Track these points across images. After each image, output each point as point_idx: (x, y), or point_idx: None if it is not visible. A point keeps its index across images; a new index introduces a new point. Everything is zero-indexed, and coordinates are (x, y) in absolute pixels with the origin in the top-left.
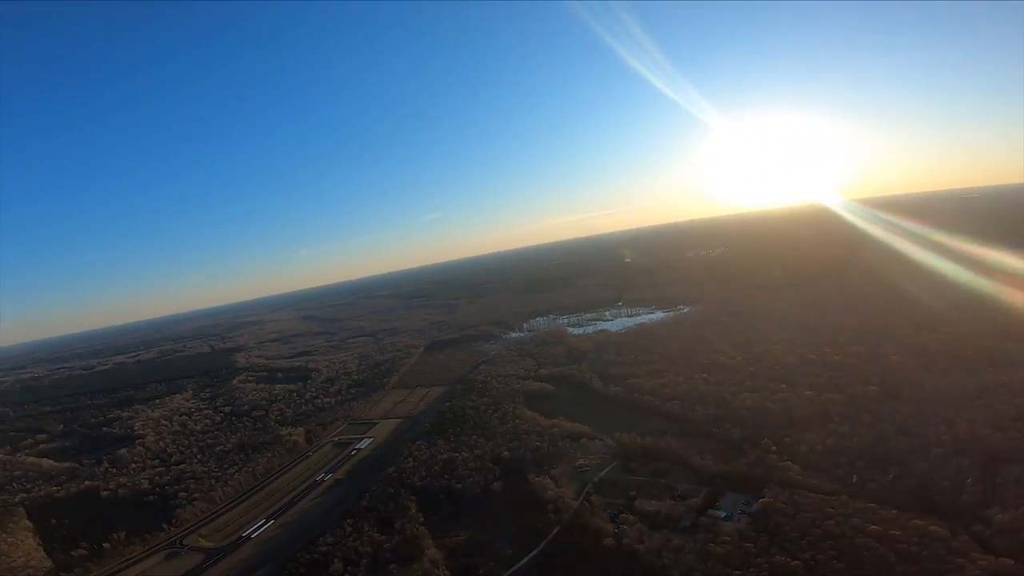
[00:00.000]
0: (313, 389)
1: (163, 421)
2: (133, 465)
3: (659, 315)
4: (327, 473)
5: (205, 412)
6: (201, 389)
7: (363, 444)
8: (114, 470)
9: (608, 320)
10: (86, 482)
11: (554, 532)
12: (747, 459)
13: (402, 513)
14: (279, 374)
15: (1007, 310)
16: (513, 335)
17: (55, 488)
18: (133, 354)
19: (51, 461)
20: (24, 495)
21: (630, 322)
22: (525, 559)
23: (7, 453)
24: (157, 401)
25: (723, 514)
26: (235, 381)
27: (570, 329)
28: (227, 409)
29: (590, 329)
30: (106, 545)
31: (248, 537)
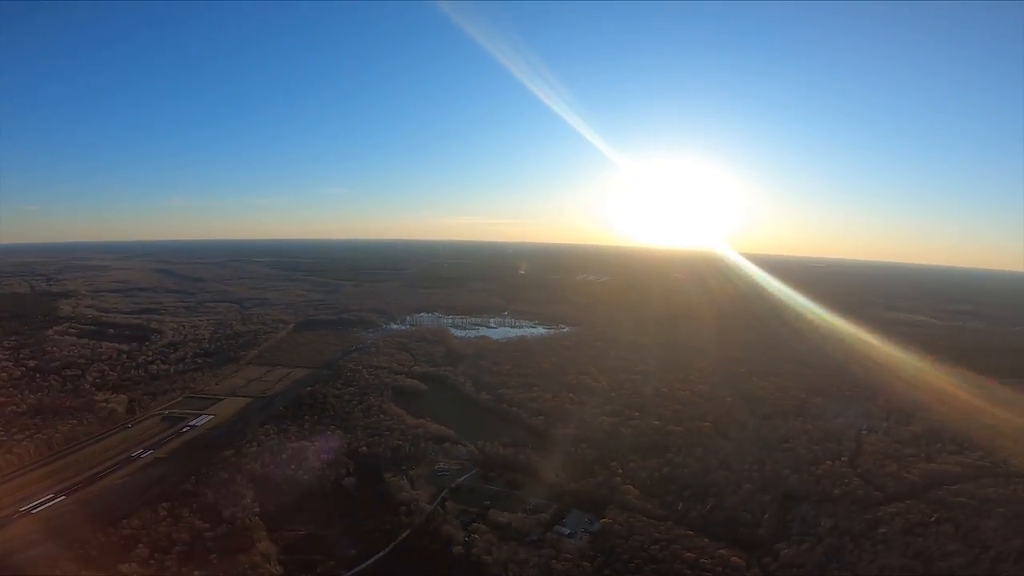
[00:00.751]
0: (149, 352)
1: None
2: None
3: (540, 330)
4: (147, 450)
5: (3, 364)
6: (7, 336)
7: (199, 421)
8: None
9: (492, 328)
10: None
11: (404, 535)
12: (595, 479)
13: (235, 501)
14: (111, 330)
15: (826, 367)
16: (394, 327)
17: None
18: None
19: None
20: None
21: (512, 333)
22: (369, 560)
23: None
24: None
25: (567, 531)
26: (51, 331)
27: (453, 330)
28: (32, 363)
29: (472, 333)
30: None
31: (27, 512)
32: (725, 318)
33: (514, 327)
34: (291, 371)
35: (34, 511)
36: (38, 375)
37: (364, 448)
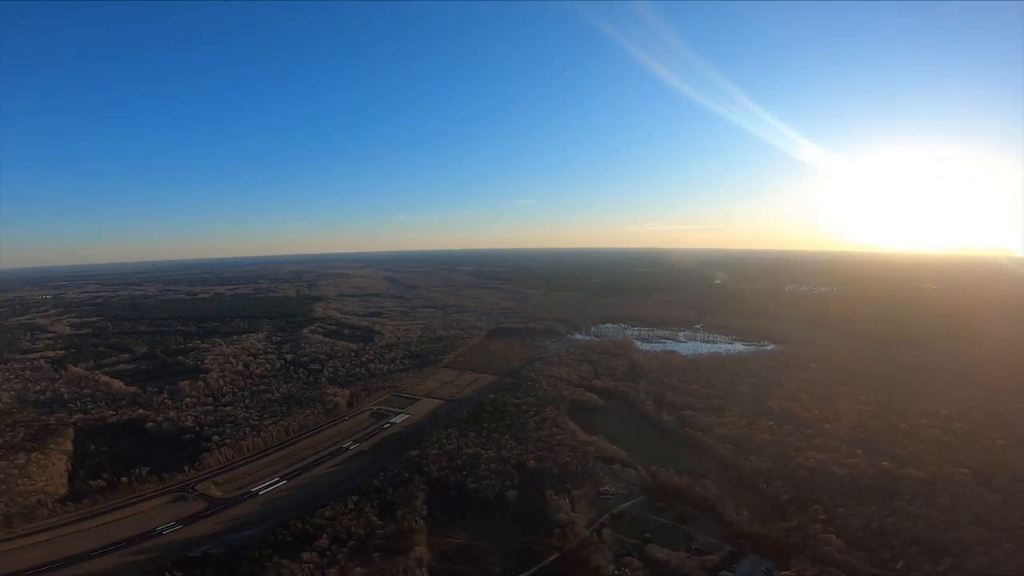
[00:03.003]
0: (371, 352)
1: (231, 359)
2: (187, 399)
3: (738, 347)
4: (355, 442)
5: (270, 356)
6: (275, 332)
7: (398, 419)
8: (169, 401)
9: (681, 342)
10: (140, 411)
11: (551, 559)
12: (787, 524)
13: (408, 501)
14: (346, 330)
15: None
16: (578, 337)
17: (111, 412)
18: (233, 287)
19: (121, 383)
20: (81, 415)
21: (704, 349)
22: None
23: (88, 369)
24: (235, 337)
25: None
26: (306, 330)
27: (638, 343)
28: (289, 357)
29: (659, 347)
30: (123, 479)
31: (255, 493)
32: (1006, 339)
33: (707, 342)
34: (479, 376)
35: (260, 493)
36: (292, 367)
37: (532, 461)
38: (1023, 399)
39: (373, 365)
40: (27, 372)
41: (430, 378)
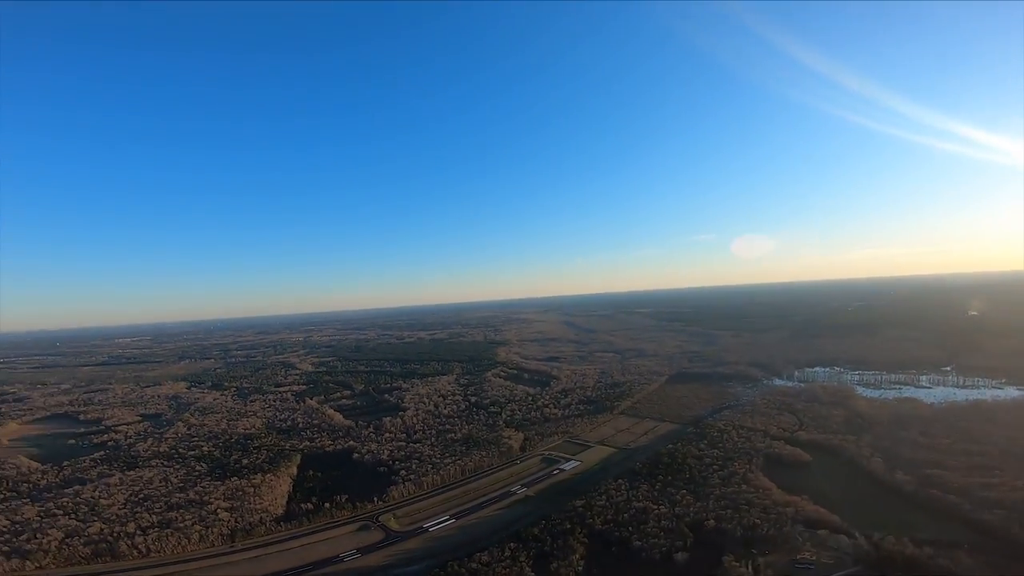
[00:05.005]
0: (547, 397)
1: (425, 398)
2: (387, 434)
3: (1011, 392)
4: (523, 486)
5: (457, 398)
6: (464, 375)
7: (568, 465)
8: (373, 435)
9: (923, 387)
10: (350, 442)
11: None
12: None
13: (565, 554)
14: (525, 375)
15: None
16: (777, 382)
17: (329, 442)
18: (432, 332)
19: (341, 416)
20: (308, 443)
21: (959, 395)
22: None
23: (319, 402)
24: (430, 379)
25: None
26: (489, 374)
27: (860, 389)
28: (473, 399)
29: (891, 394)
30: (327, 504)
31: (426, 529)
32: None
33: (962, 387)
34: (657, 424)
35: (431, 529)
36: (474, 409)
37: (711, 521)
38: None
39: (548, 410)
40: (277, 402)
41: (604, 425)
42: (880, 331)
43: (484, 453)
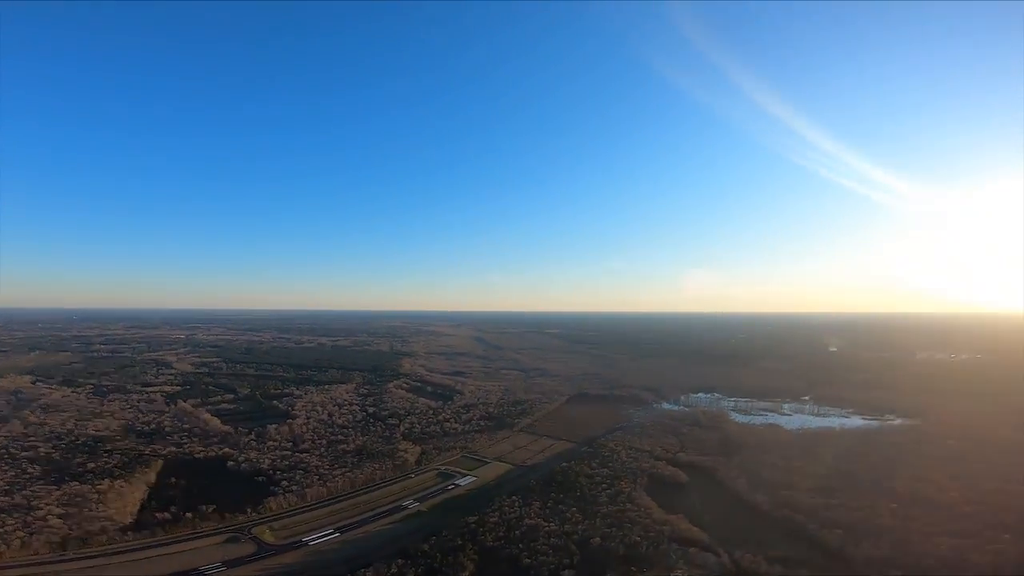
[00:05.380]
0: (449, 411)
1: (318, 407)
2: (271, 442)
3: (857, 421)
4: (416, 500)
5: (354, 408)
6: (364, 384)
7: (464, 481)
8: (254, 443)
9: (785, 414)
10: (226, 449)
11: None
12: None
13: (455, 571)
14: (429, 388)
15: None
16: (665, 406)
17: (200, 448)
18: (335, 338)
19: (218, 422)
20: (174, 448)
21: (815, 422)
22: None
23: (195, 405)
24: (327, 387)
25: None
26: (391, 385)
27: (734, 415)
28: (372, 410)
29: (758, 420)
30: (188, 514)
31: (305, 543)
32: None
33: (818, 415)
34: (555, 443)
35: (311, 543)
36: (371, 420)
37: (597, 539)
38: None
39: (448, 424)
40: (142, 404)
41: (503, 441)
42: (755, 362)
43: (377, 466)
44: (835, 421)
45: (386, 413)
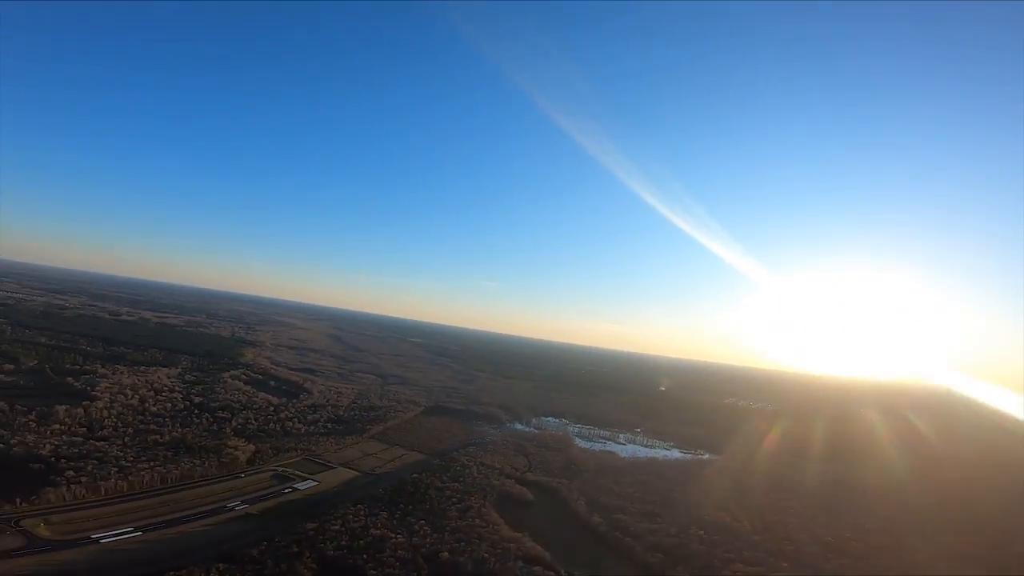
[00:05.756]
0: (292, 409)
1: (128, 390)
2: (56, 426)
3: (676, 454)
4: (244, 502)
5: (175, 395)
6: (193, 370)
7: (304, 485)
8: (33, 424)
9: (620, 443)
10: None
11: None
12: None
13: None
14: (272, 382)
15: None
16: (518, 426)
17: None
18: (163, 315)
19: None
20: None
21: (642, 452)
22: None
23: None
24: (142, 368)
25: None
26: (227, 375)
27: (578, 440)
28: (198, 400)
29: (598, 446)
30: None
31: (95, 540)
32: (938, 459)
33: (645, 446)
34: (406, 453)
35: (102, 541)
36: (196, 411)
37: (446, 553)
38: (947, 510)
39: (291, 424)
40: None
41: (352, 447)
42: (600, 393)
43: (199, 462)
44: (660, 452)
45: (216, 405)
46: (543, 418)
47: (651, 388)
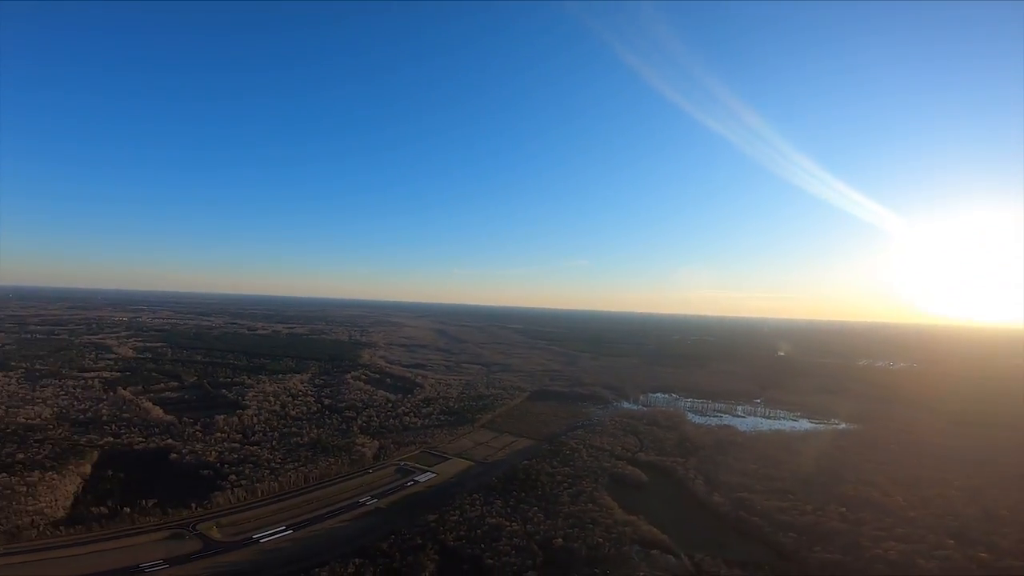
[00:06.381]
0: (408, 404)
1: (271, 397)
2: (219, 434)
3: (805, 425)
4: (373, 497)
5: (309, 399)
6: (321, 374)
7: (423, 477)
8: (200, 434)
9: (739, 416)
10: (168, 440)
11: None
12: None
13: (414, 572)
14: (388, 380)
15: None
16: (625, 405)
17: (140, 439)
18: (291, 325)
19: (161, 411)
20: (111, 439)
21: (765, 425)
22: None
23: (135, 393)
24: (280, 376)
25: None
26: (349, 376)
27: (691, 416)
28: (327, 401)
29: (714, 421)
30: (127, 509)
31: (256, 540)
32: None
33: (768, 418)
34: (516, 440)
35: (262, 541)
36: (327, 412)
37: (560, 540)
38: None
39: (408, 418)
40: (78, 390)
41: (464, 437)
42: (710, 364)
43: (333, 460)
44: (785, 424)
45: (343, 405)
46: (651, 395)
47: (768, 354)
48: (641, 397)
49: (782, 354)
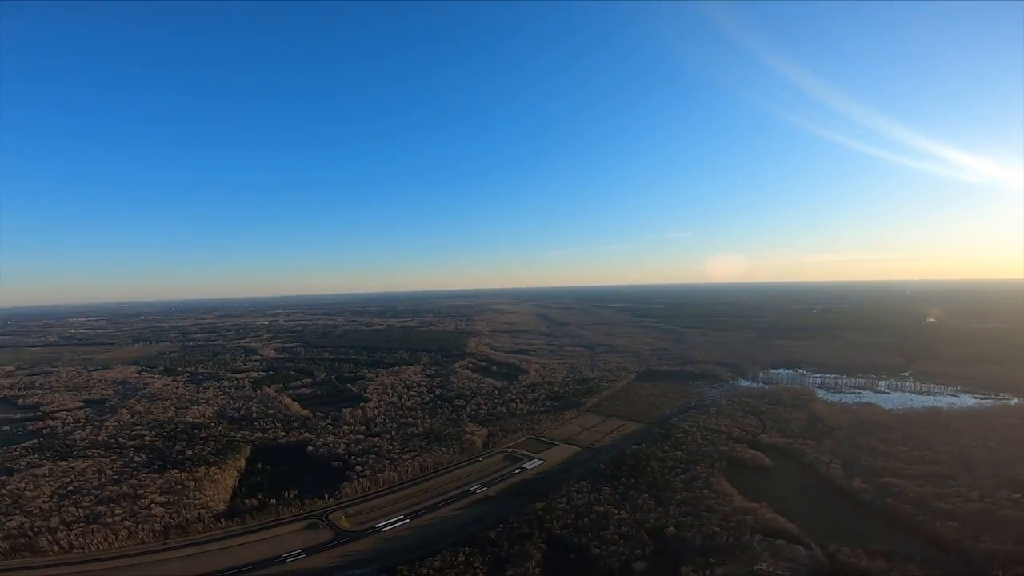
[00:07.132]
0: (514, 391)
1: (389, 389)
2: (346, 426)
3: (967, 400)
4: (483, 485)
5: (421, 390)
6: (431, 365)
7: (531, 464)
8: (330, 427)
9: (882, 392)
10: (305, 434)
11: None
12: None
13: (521, 560)
14: (494, 367)
15: None
16: (742, 383)
17: (283, 433)
18: (403, 319)
19: (298, 406)
20: (261, 434)
21: (916, 401)
22: None
23: (278, 390)
24: (396, 368)
25: None
26: (457, 365)
27: (821, 392)
28: (439, 391)
29: (850, 399)
30: (273, 501)
31: (378, 529)
32: None
33: (919, 393)
34: (623, 423)
35: (383, 529)
36: (439, 402)
37: (672, 528)
38: None
39: (514, 405)
40: (232, 390)
41: (570, 422)
42: (841, 334)
43: (445, 449)
44: (942, 400)
45: (452, 394)
46: (772, 371)
47: (914, 321)
48: (761, 374)
49: (931, 320)
